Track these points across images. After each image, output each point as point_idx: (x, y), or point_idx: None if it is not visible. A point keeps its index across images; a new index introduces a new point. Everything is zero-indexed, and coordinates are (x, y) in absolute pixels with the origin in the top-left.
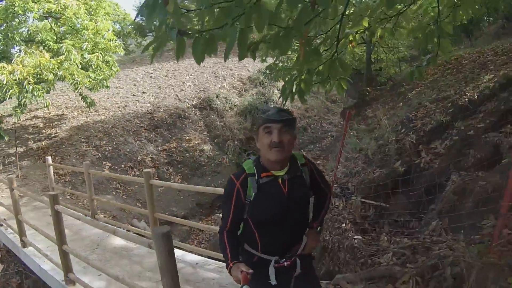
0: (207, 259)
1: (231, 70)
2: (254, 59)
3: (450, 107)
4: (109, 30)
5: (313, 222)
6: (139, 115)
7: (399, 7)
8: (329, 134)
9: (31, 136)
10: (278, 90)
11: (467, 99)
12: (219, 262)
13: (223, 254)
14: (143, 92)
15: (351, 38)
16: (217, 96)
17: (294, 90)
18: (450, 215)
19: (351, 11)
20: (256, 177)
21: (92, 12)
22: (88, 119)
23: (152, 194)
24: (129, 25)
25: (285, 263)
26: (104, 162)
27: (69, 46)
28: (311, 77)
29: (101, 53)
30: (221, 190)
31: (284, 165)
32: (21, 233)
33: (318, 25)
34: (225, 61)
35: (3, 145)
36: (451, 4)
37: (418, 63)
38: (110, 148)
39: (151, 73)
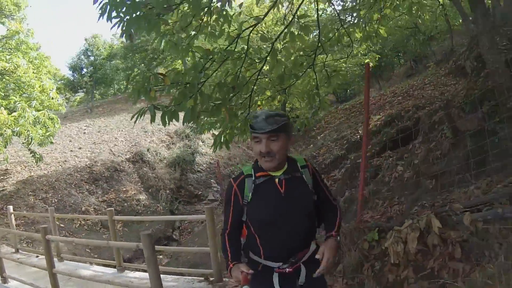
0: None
1: (159, 125)
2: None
3: (345, 144)
4: (53, 89)
5: (330, 231)
6: (78, 169)
7: (290, 81)
8: None
9: None
10: (202, 142)
11: (358, 136)
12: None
13: (224, 256)
14: (80, 148)
15: (259, 103)
16: (147, 150)
17: (222, 140)
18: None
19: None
20: (253, 178)
21: (35, 71)
22: (32, 174)
23: (114, 227)
24: (59, 80)
25: (287, 270)
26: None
27: (24, 104)
28: (233, 131)
29: (46, 111)
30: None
31: (281, 167)
32: (1, 270)
33: (237, 99)
34: (183, 124)
35: None
36: (325, 79)
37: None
38: (56, 200)
39: (85, 129)
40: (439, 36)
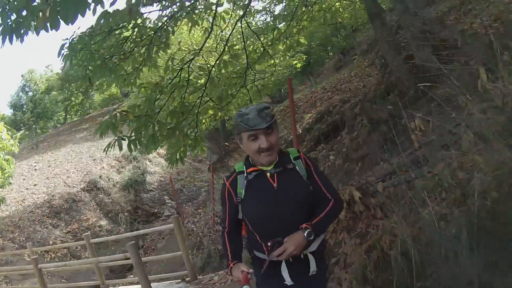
0: None
1: (105, 152)
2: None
3: (283, 144)
4: (3, 131)
5: (305, 223)
6: (38, 206)
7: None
8: (203, 190)
9: None
10: (150, 162)
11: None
12: None
13: (224, 255)
14: (35, 185)
15: (203, 121)
16: (100, 177)
17: (178, 158)
18: None
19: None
20: (245, 174)
21: None
22: None
23: (93, 250)
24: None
25: (276, 242)
26: (22, 251)
27: None
28: (186, 149)
29: (1, 153)
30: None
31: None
32: None
33: (187, 122)
34: (149, 153)
35: None
36: (256, 93)
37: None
38: (23, 238)
39: (35, 166)
40: (363, 27)
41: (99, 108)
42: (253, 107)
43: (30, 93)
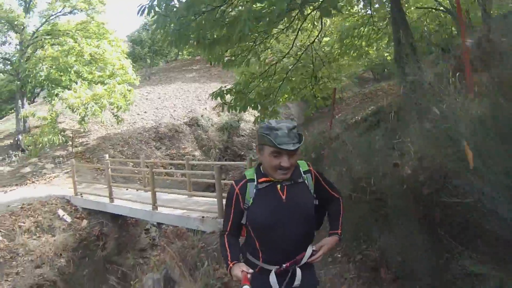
0: None
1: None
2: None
3: (343, 125)
4: (129, 66)
5: (334, 229)
6: (146, 129)
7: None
8: None
9: (69, 143)
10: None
11: (354, 120)
12: None
13: (223, 256)
14: (145, 112)
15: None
16: (201, 116)
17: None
18: None
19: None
20: (255, 183)
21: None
22: (109, 132)
23: (189, 168)
24: None
25: (283, 266)
26: (127, 164)
27: (115, 83)
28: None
29: (125, 84)
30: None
31: None
32: (110, 194)
33: (268, 100)
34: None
35: (47, 150)
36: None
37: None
38: (130, 153)
39: (146, 96)
40: None
41: None
42: (283, 123)
43: (150, 31)
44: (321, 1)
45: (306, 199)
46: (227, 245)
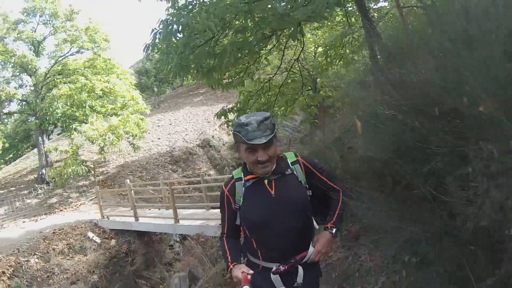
0: None
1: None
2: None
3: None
4: (139, 97)
5: (328, 223)
6: (162, 154)
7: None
8: None
9: (90, 173)
10: None
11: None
12: None
13: (224, 258)
14: (159, 138)
15: (278, 112)
16: (212, 137)
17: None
18: None
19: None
20: (243, 181)
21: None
22: (127, 160)
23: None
24: None
25: (281, 268)
26: (147, 187)
27: (128, 114)
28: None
29: (137, 114)
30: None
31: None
32: (135, 213)
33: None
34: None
35: (71, 181)
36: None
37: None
38: (149, 177)
39: (158, 123)
40: None
41: None
42: (253, 117)
43: (153, 61)
44: (291, 30)
45: (296, 191)
46: (226, 247)
